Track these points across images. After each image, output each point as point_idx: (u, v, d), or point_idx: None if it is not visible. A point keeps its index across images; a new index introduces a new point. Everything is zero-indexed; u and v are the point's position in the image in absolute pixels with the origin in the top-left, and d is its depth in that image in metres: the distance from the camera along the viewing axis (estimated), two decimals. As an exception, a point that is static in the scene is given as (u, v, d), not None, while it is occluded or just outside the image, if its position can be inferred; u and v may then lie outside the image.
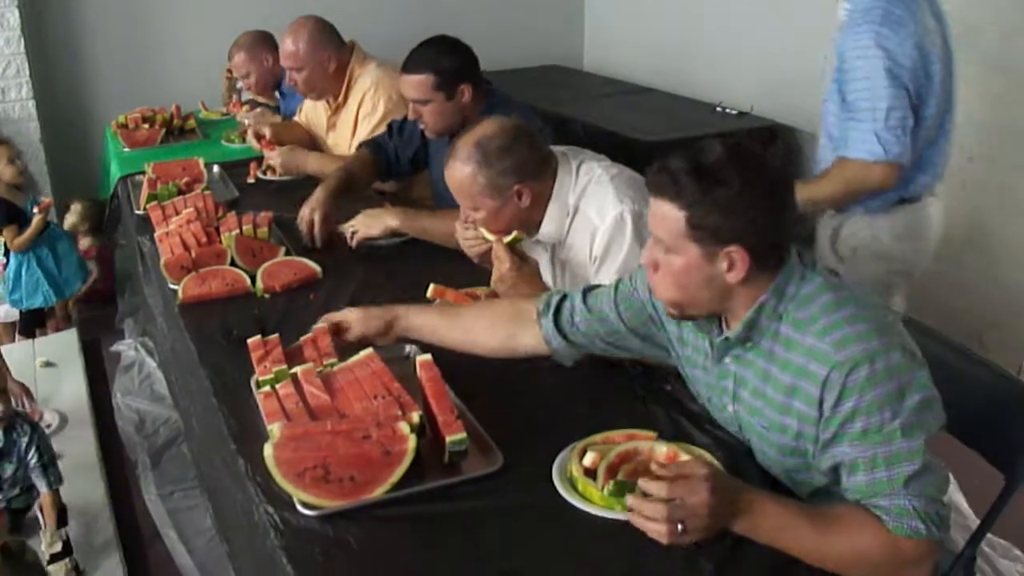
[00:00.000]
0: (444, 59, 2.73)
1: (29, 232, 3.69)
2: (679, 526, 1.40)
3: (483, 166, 2.10)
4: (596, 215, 2.12)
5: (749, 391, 1.59)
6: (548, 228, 2.20)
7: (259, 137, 3.49)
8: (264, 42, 3.97)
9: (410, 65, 2.76)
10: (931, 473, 1.40)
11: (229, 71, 4.40)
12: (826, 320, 1.46)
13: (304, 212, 2.77)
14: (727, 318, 1.61)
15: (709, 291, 1.53)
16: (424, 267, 2.30)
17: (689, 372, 1.76)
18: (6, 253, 3.77)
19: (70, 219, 4.41)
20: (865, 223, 2.51)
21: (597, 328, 1.82)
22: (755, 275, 1.50)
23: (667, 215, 1.49)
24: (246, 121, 3.86)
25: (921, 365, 1.45)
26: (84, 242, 4.41)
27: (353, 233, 2.71)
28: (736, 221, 1.45)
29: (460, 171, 2.13)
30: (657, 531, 1.41)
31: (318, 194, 2.79)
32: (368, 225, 2.71)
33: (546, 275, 2.30)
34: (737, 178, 1.45)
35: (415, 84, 2.74)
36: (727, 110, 4.75)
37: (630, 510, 1.44)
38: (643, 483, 1.44)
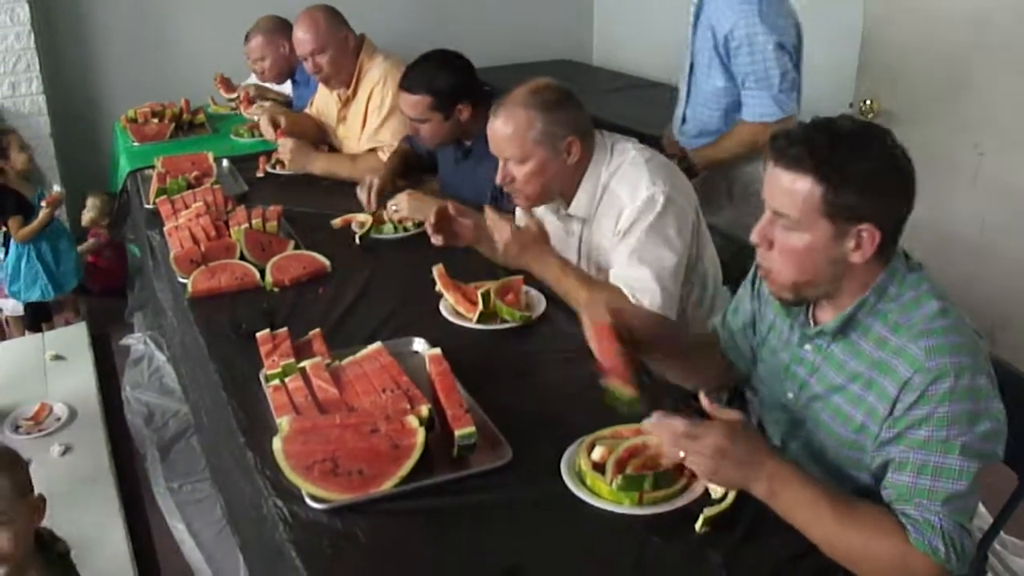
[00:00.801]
0: (441, 79, 2.74)
1: (35, 224, 3.71)
2: (681, 453, 1.43)
3: (541, 112, 2.09)
4: (627, 195, 2.11)
5: (821, 380, 1.58)
6: (580, 204, 2.20)
7: (275, 125, 3.48)
8: (283, 28, 3.96)
9: (407, 83, 2.78)
10: (969, 500, 1.37)
11: (220, 83, 4.42)
12: (925, 326, 1.43)
13: (365, 179, 2.91)
14: (816, 305, 1.59)
15: (829, 271, 1.48)
16: (432, 261, 2.30)
17: (761, 352, 1.76)
18: (6, 243, 3.78)
19: (88, 214, 4.42)
20: (756, 167, 2.80)
21: (742, 330, 1.82)
22: (874, 260, 1.46)
23: (799, 189, 1.43)
24: (255, 117, 3.86)
25: (997, 397, 1.42)
26: (101, 234, 4.43)
27: (395, 211, 2.74)
28: (874, 199, 1.41)
29: (515, 118, 2.11)
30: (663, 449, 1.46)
31: (382, 169, 3.04)
32: (414, 208, 2.72)
33: (571, 253, 2.29)
34: (877, 151, 1.42)
35: (412, 104, 2.77)
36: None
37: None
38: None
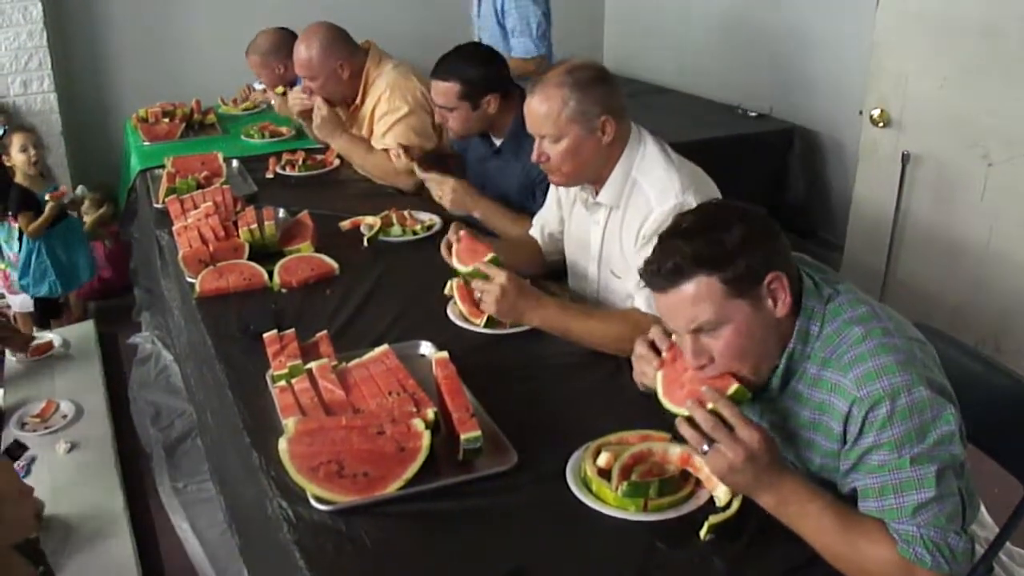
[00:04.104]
0: (472, 69, 2.76)
1: (42, 219, 3.73)
2: (704, 446, 1.41)
3: (575, 90, 2.07)
4: (656, 198, 2.09)
5: (768, 426, 1.58)
6: (609, 191, 2.18)
7: (310, 89, 3.44)
8: (279, 49, 3.93)
9: (439, 71, 2.81)
10: (944, 503, 1.37)
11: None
12: (851, 355, 1.43)
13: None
14: None
15: (770, 339, 1.49)
16: (440, 264, 2.30)
17: None
18: (20, 238, 3.81)
19: (88, 218, 4.43)
20: None
21: None
22: (791, 303, 1.47)
23: (700, 292, 1.43)
24: (272, 100, 3.88)
25: (948, 400, 1.41)
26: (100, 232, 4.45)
27: (438, 196, 2.85)
28: (759, 252, 1.43)
29: (550, 96, 2.09)
30: (692, 437, 1.43)
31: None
32: (455, 200, 2.80)
33: (595, 239, 2.28)
34: (732, 218, 1.44)
35: (443, 91, 2.78)
36: (747, 112, 4.74)
37: (687, 418, 1.45)
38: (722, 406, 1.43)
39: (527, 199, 2.77)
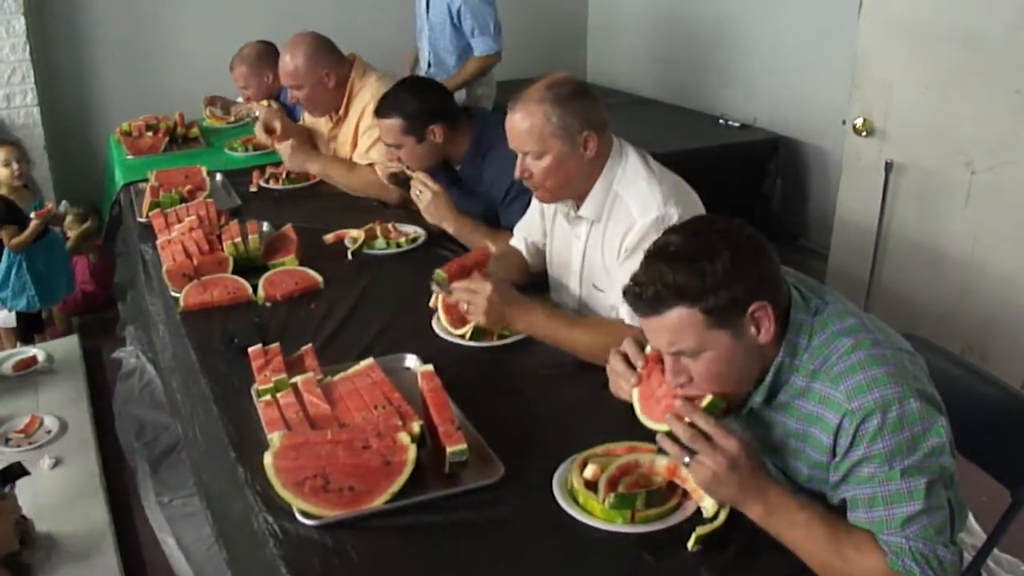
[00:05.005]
0: (411, 103, 2.76)
1: (26, 234, 3.70)
2: (686, 458, 1.42)
3: (556, 105, 2.07)
4: (638, 211, 2.08)
5: (760, 443, 1.58)
6: (591, 206, 2.18)
7: (270, 131, 3.48)
8: (266, 58, 3.95)
9: (380, 110, 2.81)
10: (933, 515, 1.37)
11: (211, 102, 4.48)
12: (840, 366, 1.43)
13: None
14: None
15: (751, 363, 1.48)
16: (424, 278, 2.29)
17: None
18: (0, 251, 3.79)
19: (72, 232, 4.40)
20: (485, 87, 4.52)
21: None
22: (777, 326, 1.46)
23: (681, 322, 1.42)
24: (257, 111, 3.87)
25: (938, 412, 1.42)
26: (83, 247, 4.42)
27: (418, 195, 2.79)
28: (743, 283, 1.41)
29: (532, 112, 2.09)
30: (673, 451, 1.44)
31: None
32: (432, 211, 2.76)
33: (577, 252, 2.28)
34: (718, 244, 1.42)
35: (387, 128, 2.79)
36: (730, 122, 4.77)
37: (668, 432, 1.45)
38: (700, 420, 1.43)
39: (496, 220, 2.78)
